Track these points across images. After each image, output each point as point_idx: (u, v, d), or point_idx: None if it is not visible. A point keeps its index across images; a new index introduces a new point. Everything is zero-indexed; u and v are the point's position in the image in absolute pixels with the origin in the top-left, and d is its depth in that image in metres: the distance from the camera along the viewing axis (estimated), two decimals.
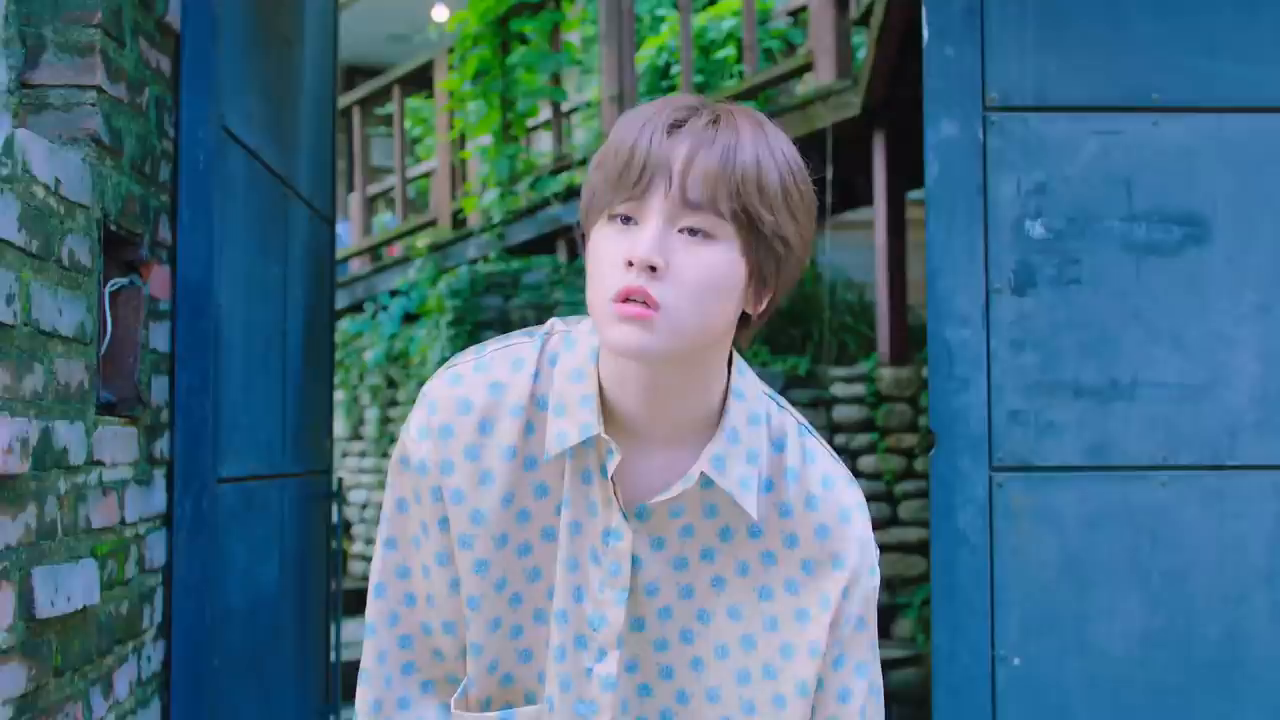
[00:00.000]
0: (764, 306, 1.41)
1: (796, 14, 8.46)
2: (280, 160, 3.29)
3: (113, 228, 2.33)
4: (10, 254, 1.91)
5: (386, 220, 10.98)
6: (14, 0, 2.24)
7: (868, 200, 6.82)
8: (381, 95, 10.11)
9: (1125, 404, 2.73)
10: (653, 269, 1.31)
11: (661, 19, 10.01)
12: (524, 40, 8.63)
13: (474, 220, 8.89)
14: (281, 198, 3.35)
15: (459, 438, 1.41)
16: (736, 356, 1.47)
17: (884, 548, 6.12)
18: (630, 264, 1.31)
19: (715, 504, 1.43)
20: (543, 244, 8.39)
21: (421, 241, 9.06)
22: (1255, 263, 2.74)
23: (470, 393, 1.42)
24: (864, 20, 6.42)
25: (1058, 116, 2.77)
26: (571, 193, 8.09)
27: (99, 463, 2.27)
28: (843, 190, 6.97)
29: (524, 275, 7.83)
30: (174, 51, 2.66)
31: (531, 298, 7.71)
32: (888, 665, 5.47)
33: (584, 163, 8.24)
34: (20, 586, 1.94)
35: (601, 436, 1.39)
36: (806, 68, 7.12)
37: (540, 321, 5.80)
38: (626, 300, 1.31)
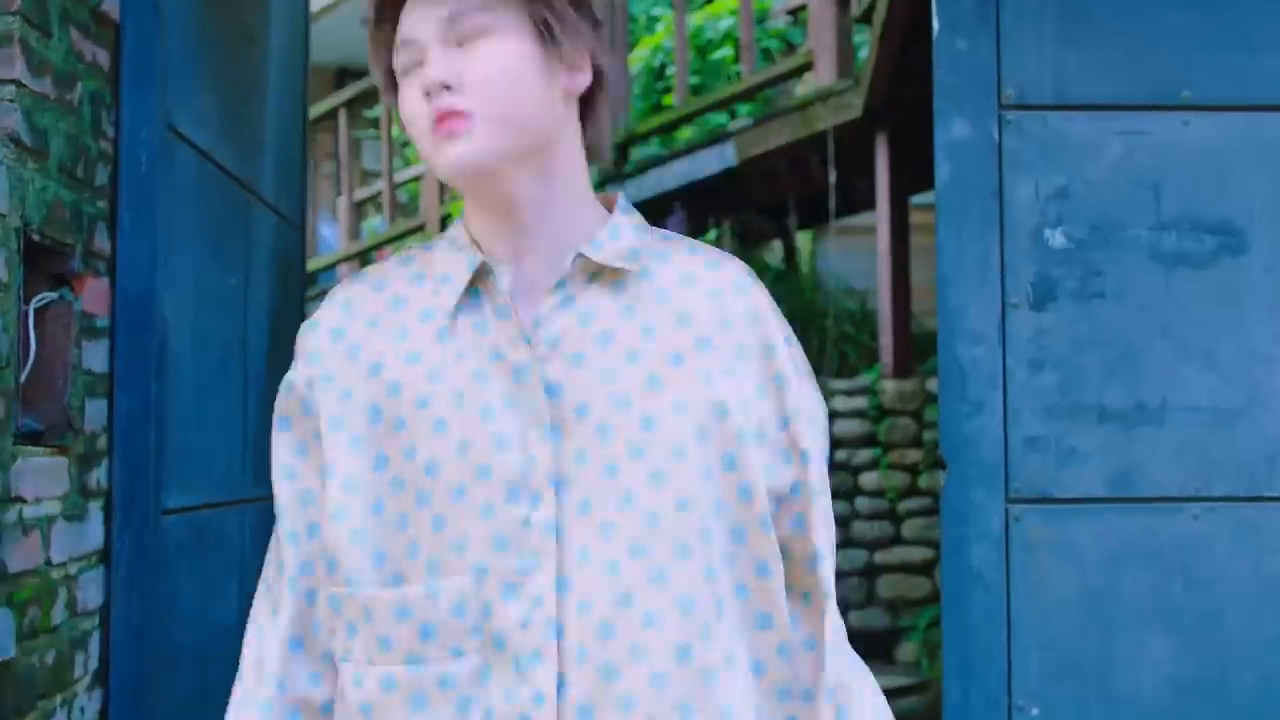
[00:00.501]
0: (589, 84, 1.45)
1: (795, 13, 8.40)
2: (239, 162, 3.08)
3: (35, 237, 2.12)
4: None
5: (375, 224, 10.88)
6: None
7: (870, 204, 6.69)
8: (370, 97, 10.00)
9: (1153, 429, 2.53)
10: (447, 87, 1.36)
11: (656, 19, 10.03)
12: None
13: None
14: (242, 202, 3.15)
15: (363, 318, 1.47)
16: (622, 199, 1.51)
17: (886, 568, 5.94)
18: (428, 94, 1.37)
19: (633, 304, 1.42)
20: None
21: (410, 246, 8.98)
22: None
23: (376, 275, 1.51)
24: (866, 18, 6.27)
25: (1079, 115, 2.57)
26: None
27: (18, 499, 2.05)
28: (844, 194, 6.84)
29: None
30: (113, 44, 2.45)
31: None
32: (891, 693, 5.29)
33: None
34: None
35: (484, 262, 1.41)
36: (806, 67, 7.02)
37: None
38: (439, 124, 1.37)
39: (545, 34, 1.39)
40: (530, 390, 1.38)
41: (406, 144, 11.13)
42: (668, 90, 9.03)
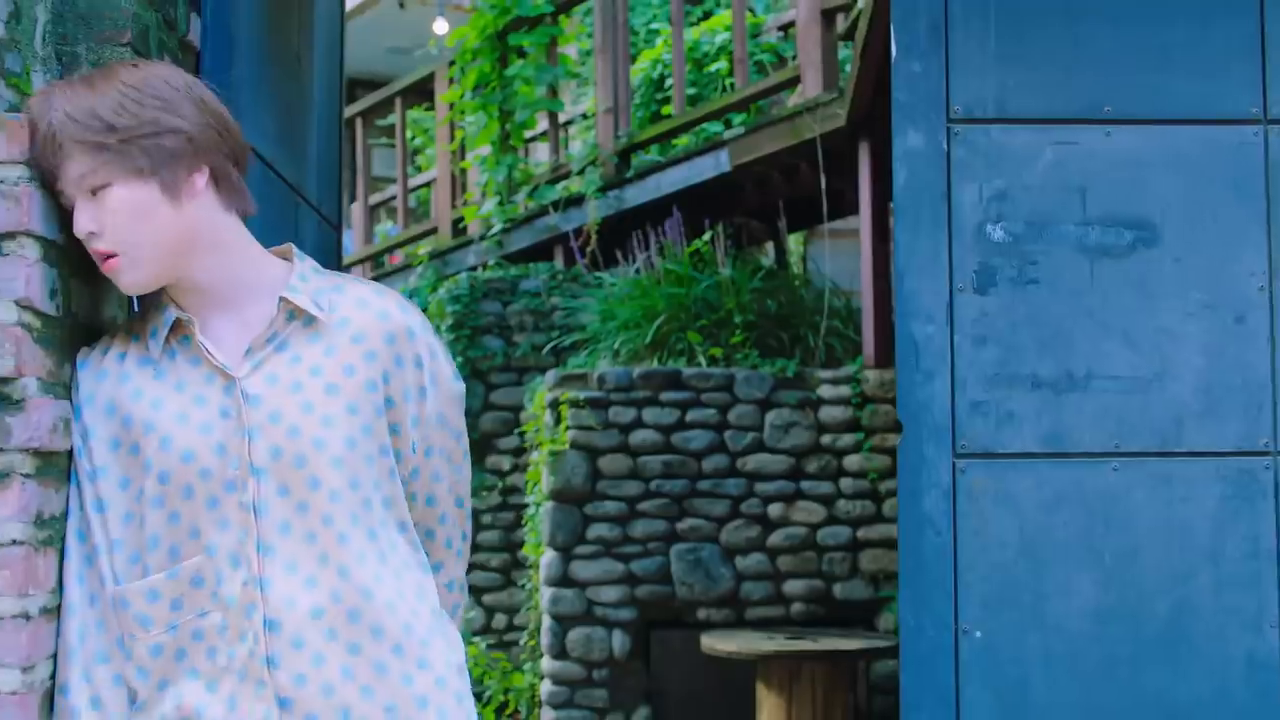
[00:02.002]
0: (205, 178, 1.88)
1: (786, 29, 8.71)
2: (292, 170, 3.48)
3: None
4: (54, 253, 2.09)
5: (388, 229, 11.21)
6: (51, 20, 2.43)
7: (856, 209, 7.04)
8: (383, 107, 10.36)
9: (1079, 395, 2.94)
10: (93, 233, 1.84)
11: (656, 32, 10.27)
12: (522, 54, 8.89)
13: (474, 228, 9.14)
14: (292, 204, 3.54)
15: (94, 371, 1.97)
16: (297, 253, 2.01)
17: (868, 544, 6.33)
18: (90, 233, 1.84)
19: (319, 331, 1.91)
20: (540, 251, 8.65)
21: (422, 249, 9.31)
22: (1200, 264, 2.96)
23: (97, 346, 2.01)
24: (848, 35, 6.64)
25: (1017, 128, 2.98)
26: (569, 202, 8.34)
27: None
28: (832, 199, 7.19)
29: (521, 282, 8.06)
30: (194, 69, 2.85)
31: (529, 304, 7.95)
32: (873, 654, 5.68)
33: (581, 172, 8.48)
34: None
35: (181, 317, 1.89)
36: (794, 80, 7.35)
37: (538, 326, 5.96)
38: (103, 264, 1.86)
39: (148, 173, 1.82)
40: (230, 402, 1.87)
41: (417, 152, 11.49)
42: (666, 100, 9.23)
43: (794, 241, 9.16)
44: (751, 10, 9.41)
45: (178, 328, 1.91)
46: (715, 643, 5.59)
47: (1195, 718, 2.93)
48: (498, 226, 8.67)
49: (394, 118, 10.26)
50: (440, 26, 12.06)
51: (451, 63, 9.41)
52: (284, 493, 1.86)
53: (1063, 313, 2.95)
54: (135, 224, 1.83)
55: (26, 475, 1.89)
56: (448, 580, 2.11)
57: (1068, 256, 2.96)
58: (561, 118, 9.30)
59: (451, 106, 9.34)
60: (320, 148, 3.91)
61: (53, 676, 2.00)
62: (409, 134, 10.67)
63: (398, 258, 10.14)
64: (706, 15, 10.22)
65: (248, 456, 1.85)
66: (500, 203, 8.75)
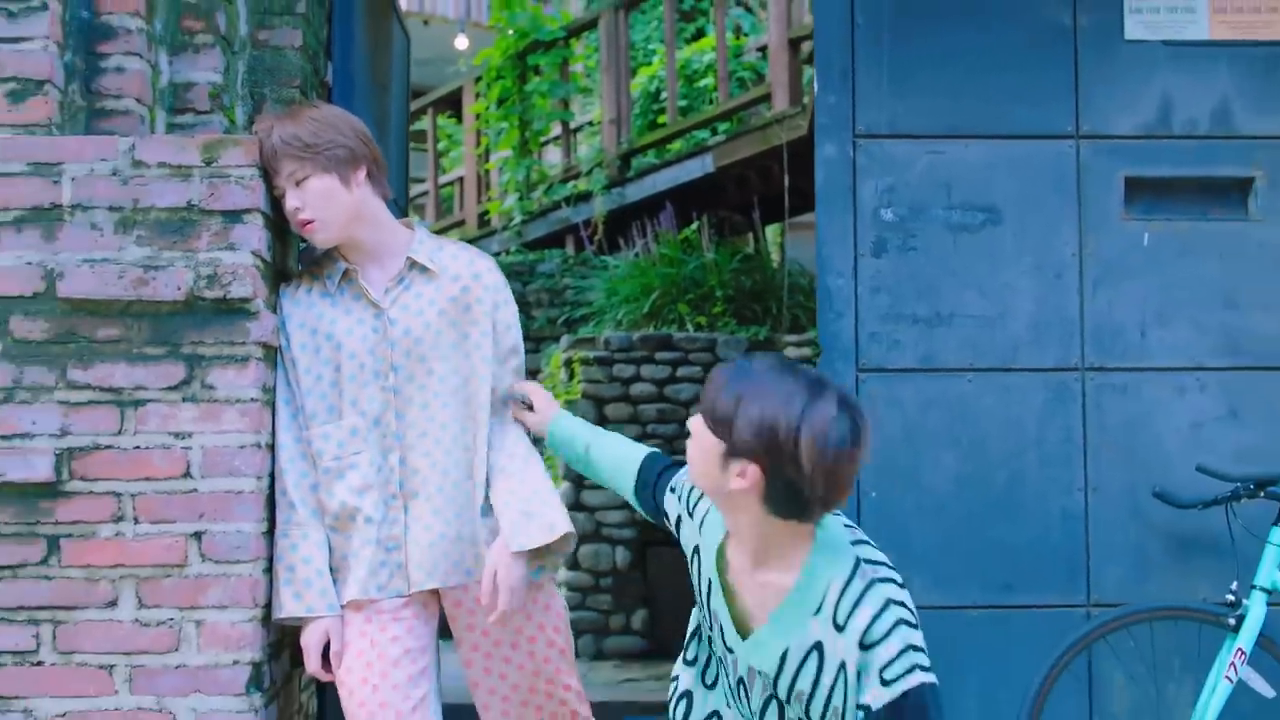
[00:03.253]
0: (365, 176, 2.96)
1: (764, 49, 9.62)
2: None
3: None
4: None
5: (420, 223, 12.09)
6: (247, 71, 3.51)
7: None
8: (416, 114, 11.26)
9: (945, 329, 3.96)
10: (298, 208, 2.91)
11: (653, 52, 11.12)
12: (538, 72, 9.77)
13: (496, 221, 10.04)
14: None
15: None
16: (417, 223, 3.06)
17: None
18: (294, 210, 2.93)
19: (431, 276, 2.98)
20: (554, 239, 9.55)
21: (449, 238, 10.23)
22: (1030, 237, 3.96)
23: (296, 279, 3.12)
24: (811, 60, 7.61)
25: (902, 141, 3.98)
26: (579, 198, 9.22)
27: None
28: (797, 196, 8.13)
29: (538, 265, 8.97)
30: (328, 99, 3.92)
31: (545, 284, 8.88)
32: None
33: (589, 173, 9.31)
34: None
35: (349, 267, 2.98)
36: (767, 96, 8.28)
37: (552, 303, 7.28)
38: (302, 228, 2.94)
39: (331, 170, 2.91)
40: (382, 324, 2.96)
41: (444, 154, 12.44)
42: (662, 110, 10.03)
43: (773, 233, 9.97)
44: (740, 29, 10.22)
45: (347, 274, 3.01)
46: None
47: (1025, 555, 3.88)
48: (518, 219, 9.58)
49: (424, 124, 11.15)
50: (461, 42, 12.96)
51: (478, 79, 10.33)
52: (411, 379, 2.95)
53: (933, 271, 3.96)
54: (325, 202, 2.92)
55: (258, 359, 2.96)
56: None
57: (937, 232, 3.97)
58: (572, 125, 10.18)
59: (478, 116, 10.29)
60: (397, 157, 4.97)
61: (271, 485, 3.08)
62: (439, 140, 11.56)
63: None
64: (699, 32, 11.01)
65: (389, 356, 2.94)
66: (520, 198, 9.68)
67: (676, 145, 9.46)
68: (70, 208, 2.88)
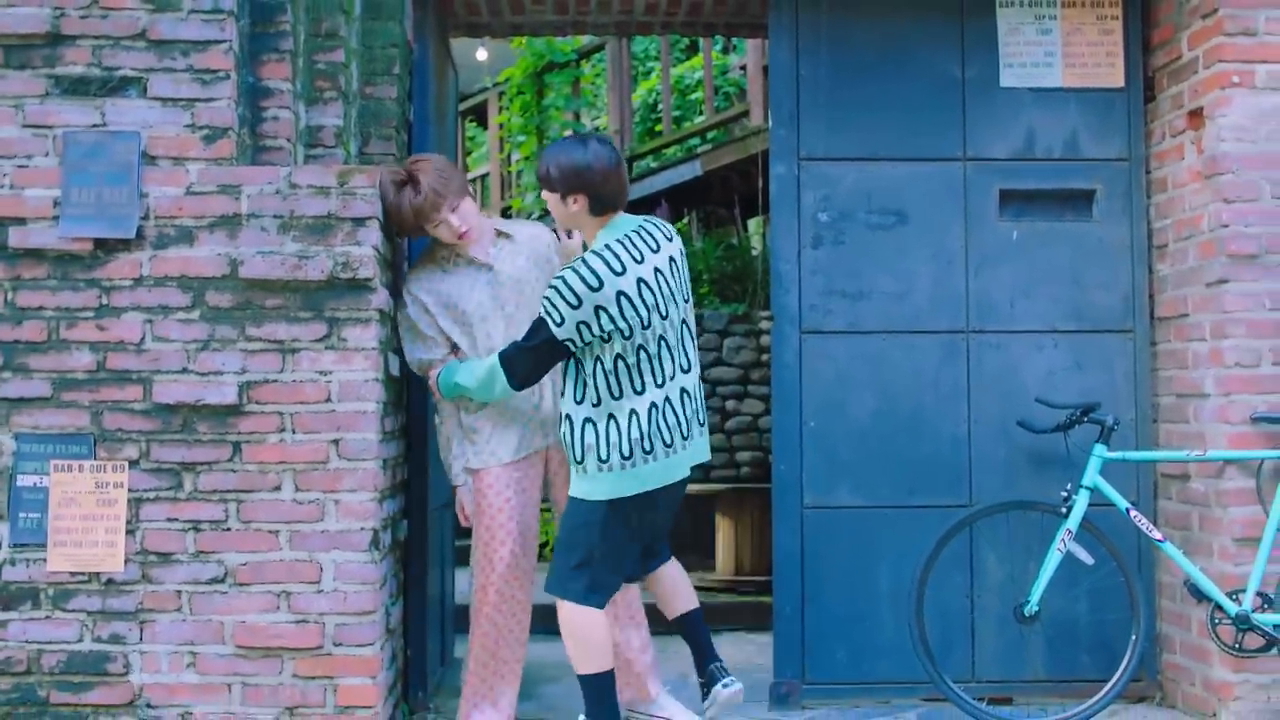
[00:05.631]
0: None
1: (745, 68, 10.55)
2: None
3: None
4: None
5: None
6: (358, 115, 4.57)
7: None
8: None
9: (866, 302, 4.95)
10: (458, 225, 4.21)
11: (651, 68, 12.03)
12: (553, 88, 10.74)
13: (517, 215, 10.97)
14: None
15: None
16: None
17: None
18: (458, 227, 4.22)
19: (514, 241, 4.26)
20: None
21: None
22: (930, 234, 4.96)
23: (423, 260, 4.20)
24: None
25: (836, 163, 4.96)
26: None
27: None
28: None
29: None
30: (408, 132, 4.97)
31: None
32: None
33: None
34: None
35: (460, 250, 4.25)
36: (746, 112, 9.23)
37: None
38: (461, 238, 4.22)
39: (460, 196, 4.10)
40: (492, 279, 4.16)
41: (470, 151, 13.37)
42: (658, 121, 10.90)
43: (756, 226, 10.87)
44: (731, 45, 11.04)
45: (462, 253, 4.13)
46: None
47: (926, 467, 4.84)
48: (536, 214, 10.56)
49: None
50: (481, 54, 13.88)
51: (501, 94, 11.29)
52: (520, 308, 4.11)
53: (857, 259, 4.93)
54: (470, 219, 4.09)
55: (376, 320, 4.01)
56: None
57: (860, 230, 4.97)
58: None
59: (502, 126, 11.26)
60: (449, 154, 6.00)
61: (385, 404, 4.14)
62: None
63: None
64: (692, 44, 11.84)
65: (502, 296, 4.12)
66: (537, 196, 10.63)
67: (671, 151, 10.28)
68: (247, 216, 3.95)
